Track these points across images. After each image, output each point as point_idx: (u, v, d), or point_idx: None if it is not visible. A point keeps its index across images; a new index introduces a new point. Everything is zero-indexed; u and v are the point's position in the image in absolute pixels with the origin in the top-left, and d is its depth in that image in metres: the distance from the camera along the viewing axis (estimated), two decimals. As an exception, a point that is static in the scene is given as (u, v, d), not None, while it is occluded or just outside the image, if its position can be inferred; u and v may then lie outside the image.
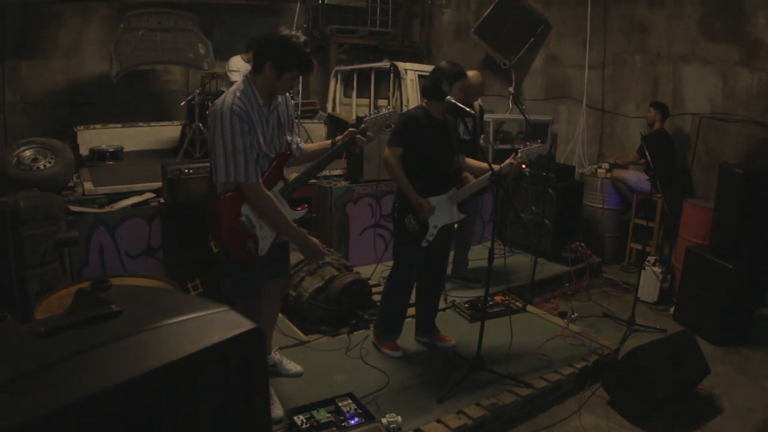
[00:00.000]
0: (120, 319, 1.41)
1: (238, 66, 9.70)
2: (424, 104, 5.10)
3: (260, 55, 3.78)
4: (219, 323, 1.41)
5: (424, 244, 5.07)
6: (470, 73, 6.36)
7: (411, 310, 5.69)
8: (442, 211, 5.06)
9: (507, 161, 5.09)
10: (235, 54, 10.06)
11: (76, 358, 1.22)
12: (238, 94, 3.76)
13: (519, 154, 5.11)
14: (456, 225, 5.44)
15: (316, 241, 4.02)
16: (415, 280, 5.41)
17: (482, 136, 6.62)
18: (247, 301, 4.09)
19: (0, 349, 1.33)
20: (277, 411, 4.24)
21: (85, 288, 1.64)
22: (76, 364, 1.21)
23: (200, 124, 8.71)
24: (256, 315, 4.11)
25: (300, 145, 4.29)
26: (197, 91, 9.09)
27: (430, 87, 5.06)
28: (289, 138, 4.13)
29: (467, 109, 4.81)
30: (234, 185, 3.84)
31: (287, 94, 4.20)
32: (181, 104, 9.66)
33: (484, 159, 5.43)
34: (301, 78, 4.41)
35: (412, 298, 5.56)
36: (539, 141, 5.35)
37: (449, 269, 7.04)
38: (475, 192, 5.43)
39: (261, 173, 3.90)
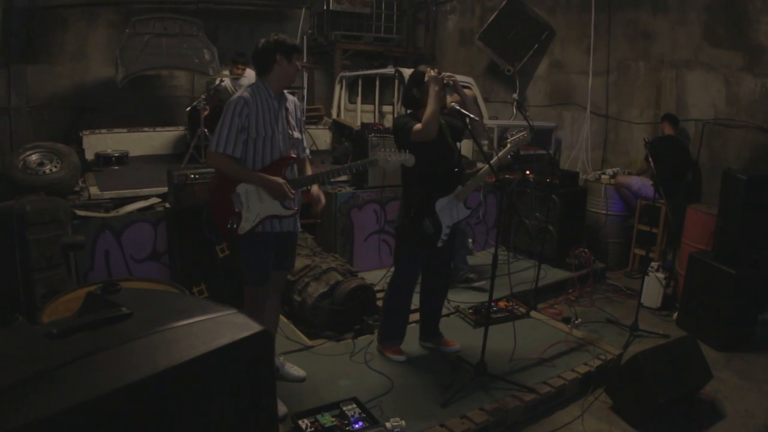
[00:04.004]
0: (130, 321, 1.44)
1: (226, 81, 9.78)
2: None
3: (268, 55, 4.29)
4: (228, 325, 1.43)
5: (439, 244, 5.12)
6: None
7: (414, 316, 5.72)
8: (452, 210, 5.11)
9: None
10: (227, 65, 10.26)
11: (88, 359, 1.24)
12: (251, 87, 4.31)
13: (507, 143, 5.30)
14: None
15: (281, 181, 4.24)
16: (415, 284, 5.43)
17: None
18: (256, 287, 4.45)
19: (13, 350, 1.36)
20: (282, 408, 4.33)
21: (95, 291, 1.66)
22: (88, 364, 1.23)
23: (206, 130, 8.74)
24: (264, 301, 4.50)
25: (306, 152, 4.73)
26: (202, 96, 9.12)
27: (404, 97, 5.29)
28: (298, 136, 4.55)
29: (471, 115, 4.88)
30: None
31: (297, 101, 4.64)
32: (186, 110, 9.70)
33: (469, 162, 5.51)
34: (306, 84, 4.81)
35: (416, 303, 5.59)
36: (524, 131, 5.50)
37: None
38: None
39: (271, 160, 4.30)
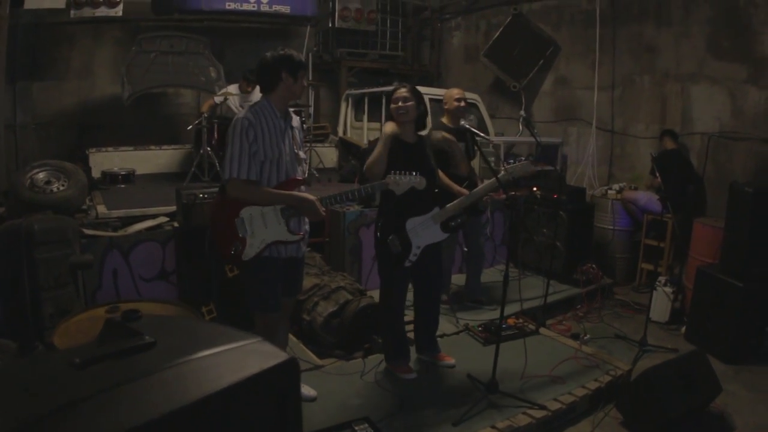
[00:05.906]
0: (154, 351, 1.43)
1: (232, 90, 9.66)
2: None
3: (273, 71, 4.19)
4: (255, 354, 1.43)
5: (407, 264, 5.08)
6: (455, 92, 6.38)
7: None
8: (425, 231, 5.07)
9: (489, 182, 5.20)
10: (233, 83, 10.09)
11: (114, 391, 1.24)
12: (254, 107, 4.19)
13: (502, 173, 5.22)
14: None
15: (312, 198, 4.18)
16: (404, 301, 5.42)
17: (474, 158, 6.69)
18: (266, 314, 4.35)
19: (36, 380, 1.36)
20: None
21: (114, 317, 1.67)
22: (115, 396, 1.23)
23: (209, 149, 8.75)
24: (275, 328, 4.42)
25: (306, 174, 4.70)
26: (205, 115, 9.11)
27: (386, 113, 5.26)
28: (303, 156, 4.50)
29: (480, 134, 4.89)
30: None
31: (301, 122, 4.61)
32: (188, 128, 9.72)
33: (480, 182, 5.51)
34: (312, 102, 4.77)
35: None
36: (523, 158, 5.45)
37: (459, 293, 7.10)
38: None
39: (277, 182, 4.20)
